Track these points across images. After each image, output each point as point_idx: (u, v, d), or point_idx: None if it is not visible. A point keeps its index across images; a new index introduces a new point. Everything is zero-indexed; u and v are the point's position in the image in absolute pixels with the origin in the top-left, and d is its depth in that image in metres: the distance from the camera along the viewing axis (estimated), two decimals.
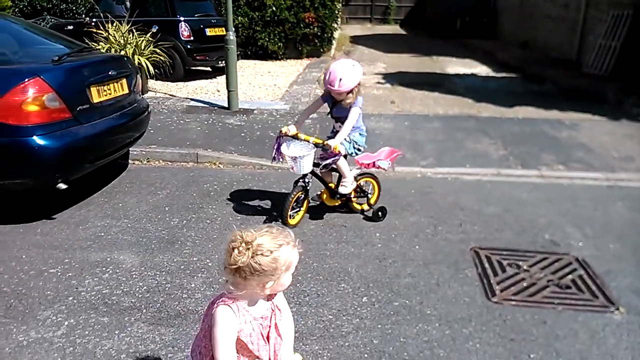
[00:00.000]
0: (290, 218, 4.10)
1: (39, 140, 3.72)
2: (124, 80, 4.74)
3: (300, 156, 3.89)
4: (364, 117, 7.80)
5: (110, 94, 4.48)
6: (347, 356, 2.71)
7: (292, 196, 4.04)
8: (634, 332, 2.99)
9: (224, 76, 10.05)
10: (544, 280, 3.49)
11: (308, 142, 3.96)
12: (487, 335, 2.92)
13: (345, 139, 4.05)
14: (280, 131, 4.02)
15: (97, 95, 4.29)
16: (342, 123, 4.03)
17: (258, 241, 1.66)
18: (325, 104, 4.17)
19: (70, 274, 3.45)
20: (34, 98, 3.70)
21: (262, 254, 1.65)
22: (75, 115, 4.02)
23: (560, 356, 2.76)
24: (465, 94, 9.30)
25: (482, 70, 12.31)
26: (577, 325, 3.03)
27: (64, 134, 3.90)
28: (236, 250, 1.65)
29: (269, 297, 1.84)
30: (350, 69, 3.86)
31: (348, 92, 3.89)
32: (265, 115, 7.57)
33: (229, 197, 4.83)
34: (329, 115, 4.23)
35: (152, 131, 6.20)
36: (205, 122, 7.12)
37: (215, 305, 1.76)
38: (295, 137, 4.00)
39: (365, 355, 2.72)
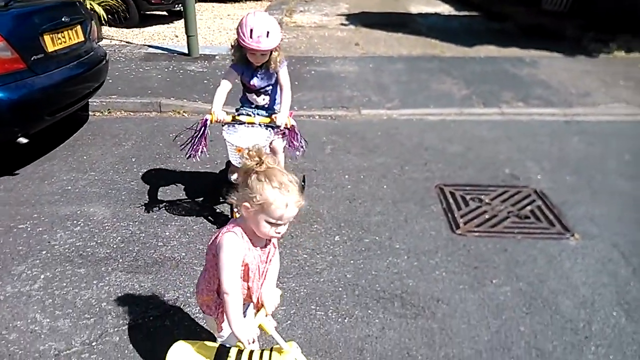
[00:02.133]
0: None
1: None
2: (79, 27, 4.52)
3: (264, 147, 3.11)
4: (329, 60, 7.75)
5: (65, 42, 4.28)
6: (322, 290, 2.85)
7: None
8: (588, 255, 3.23)
9: (182, 20, 9.68)
10: (505, 212, 3.68)
11: (254, 124, 3.21)
12: (453, 264, 3.10)
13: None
14: (206, 120, 3.13)
15: (52, 43, 4.09)
16: (265, 94, 3.42)
17: (272, 172, 1.69)
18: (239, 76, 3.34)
19: (40, 229, 3.42)
20: None
21: (262, 174, 1.67)
22: (29, 66, 3.84)
23: (520, 280, 2.97)
24: (428, 34, 9.28)
25: (444, 9, 12.23)
26: (535, 251, 3.24)
27: (19, 85, 3.74)
28: (247, 162, 1.70)
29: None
30: (272, 20, 3.11)
31: (273, 51, 3.17)
32: (227, 61, 7.26)
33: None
34: (247, 91, 3.46)
35: (110, 81, 5.98)
36: (166, 70, 6.91)
37: (222, 233, 1.80)
38: (234, 121, 3.21)
39: (340, 289, 2.86)
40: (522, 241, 3.35)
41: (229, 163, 3.82)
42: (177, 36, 8.90)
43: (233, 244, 1.75)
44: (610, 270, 3.08)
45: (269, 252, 1.89)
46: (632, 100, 6.06)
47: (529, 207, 3.75)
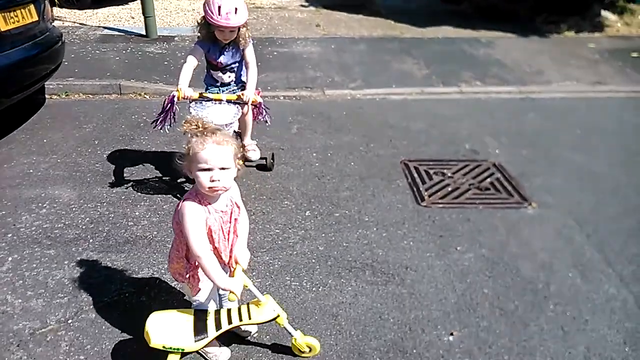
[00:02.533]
0: None
1: None
2: (32, 6, 4.35)
3: (229, 123, 3.26)
4: (290, 41, 7.72)
5: (18, 21, 4.12)
6: (296, 263, 2.92)
7: None
8: (545, 223, 3.43)
9: (138, 2, 9.41)
10: (466, 185, 3.85)
11: (221, 101, 3.25)
12: (419, 234, 3.23)
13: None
14: (173, 96, 3.13)
15: (4, 22, 3.94)
16: (231, 72, 3.44)
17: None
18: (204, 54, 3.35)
19: (3, 212, 3.34)
20: None
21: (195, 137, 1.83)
22: None
23: (483, 247, 3.13)
24: (387, 16, 9.36)
25: None
26: (496, 220, 3.42)
27: None
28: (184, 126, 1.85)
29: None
30: None
31: (241, 27, 3.21)
32: (187, 42, 7.25)
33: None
34: (212, 69, 3.46)
35: (67, 63, 5.77)
36: (124, 52, 6.74)
37: (181, 202, 1.90)
38: (202, 98, 3.24)
39: (313, 261, 2.94)
40: (483, 211, 3.52)
41: None
42: (133, 17, 8.64)
43: (192, 210, 1.87)
44: (566, 236, 3.28)
45: (231, 212, 1.98)
46: (582, 78, 6.36)
47: (488, 180, 3.93)
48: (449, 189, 3.78)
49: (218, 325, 2.01)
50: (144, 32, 7.40)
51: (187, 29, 7.96)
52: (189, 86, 3.24)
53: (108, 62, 6.30)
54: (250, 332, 2.35)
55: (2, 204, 3.43)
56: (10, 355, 2.28)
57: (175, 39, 7.40)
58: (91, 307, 2.56)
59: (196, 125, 1.83)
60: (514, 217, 3.46)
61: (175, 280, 2.23)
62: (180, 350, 1.97)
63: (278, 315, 2.10)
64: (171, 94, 3.13)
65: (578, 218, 3.46)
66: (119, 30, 7.75)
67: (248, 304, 2.09)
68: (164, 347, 1.95)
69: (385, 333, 2.46)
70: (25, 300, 2.60)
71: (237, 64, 3.44)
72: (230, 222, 1.97)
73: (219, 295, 2.24)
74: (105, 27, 7.91)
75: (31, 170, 3.88)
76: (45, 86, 5.29)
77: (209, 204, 1.90)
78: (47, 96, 5.39)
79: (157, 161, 4.07)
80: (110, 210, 3.39)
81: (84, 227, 3.21)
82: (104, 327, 2.44)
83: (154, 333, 1.97)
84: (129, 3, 9.70)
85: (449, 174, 3.99)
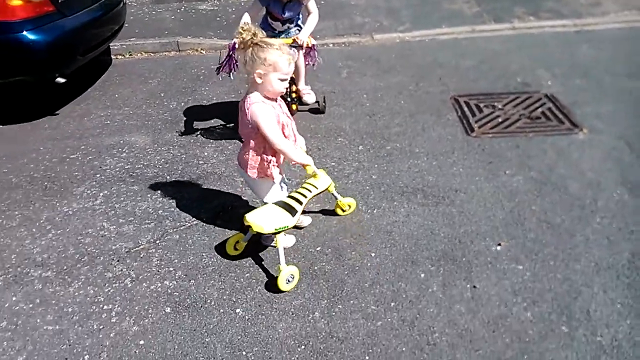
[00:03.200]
0: None
1: (30, 35, 3.82)
2: None
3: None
4: None
5: None
6: (351, 190, 3.16)
7: None
8: (595, 146, 3.48)
9: None
10: (517, 115, 3.92)
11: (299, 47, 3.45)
12: (469, 161, 3.38)
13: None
14: (234, 43, 3.07)
15: None
16: (290, 23, 3.62)
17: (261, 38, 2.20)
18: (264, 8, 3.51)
19: (90, 157, 3.76)
20: None
21: (259, 45, 2.18)
22: (58, 8, 4.06)
23: (531, 170, 3.25)
24: None
25: None
26: (546, 145, 3.50)
27: (52, 27, 3.98)
28: (243, 34, 2.17)
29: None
30: None
31: None
32: None
33: (218, 78, 5.00)
34: (271, 19, 3.63)
35: (127, 25, 6.13)
36: (178, 11, 7.03)
37: (247, 109, 2.28)
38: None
39: (367, 188, 3.18)
40: (533, 138, 3.60)
41: None
42: None
43: (265, 110, 2.26)
44: (615, 157, 3.33)
45: (281, 106, 2.41)
46: None
47: (539, 110, 3.97)
48: (499, 120, 3.87)
49: (299, 202, 2.50)
50: None
51: None
52: None
53: (165, 21, 6.62)
54: (304, 225, 2.86)
55: (88, 150, 3.85)
56: (112, 269, 2.68)
57: None
58: (175, 230, 2.93)
59: (254, 33, 2.15)
60: (564, 142, 3.53)
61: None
62: (286, 228, 2.42)
63: (331, 183, 2.69)
64: (232, 41, 3.26)
65: (629, 141, 3.48)
66: None
67: (307, 181, 2.64)
68: (275, 229, 2.39)
69: (436, 245, 2.68)
70: (118, 226, 3.00)
71: (297, 16, 3.62)
72: (286, 115, 2.41)
73: None
74: None
75: (108, 122, 4.28)
76: (110, 47, 5.68)
77: (274, 100, 2.33)
78: (112, 57, 5.79)
79: (219, 109, 4.38)
80: (182, 152, 3.74)
81: (160, 166, 3.58)
82: (187, 245, 2.80)
83: (261, 224, 2.37)
84: None
85: (499, 106, 4.06)
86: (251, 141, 2.36)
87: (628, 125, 3.68)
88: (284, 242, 2.56)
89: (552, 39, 5.49)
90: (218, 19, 6.66)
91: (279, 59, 2.19)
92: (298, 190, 2.59)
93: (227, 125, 4.09)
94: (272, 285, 2.48)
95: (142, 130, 4.11)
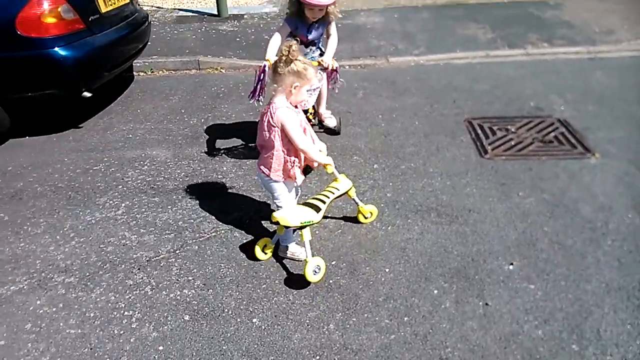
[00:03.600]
0: None
1: (62, 52, 3.98)
2: None
3: (316, 87, 3.57)
4: (354, 12, 7.93)
5: (114, 3, 4.65)
6: None
7: None
8: (606, 171, 3.53)
9: None
10: (530, 139, 3.98)
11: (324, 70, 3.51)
12: (482, 182, 3.45)
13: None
14: (265, 67, 3.23)
15: (104, 5, 4.47)
16: (314, 46, 3.67)
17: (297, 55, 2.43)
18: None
19: (112, 169, 3.88)
20: (49, 10, 3.91)
21: (297, 60, 2.42)
22: (88, 26, 4.24)
23: (544, 192, 3.30)
24: None
25: None
26: (558, 169, 3.56)
27: (82, 44, 4.15)
28: (286, 50, 2.40)
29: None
30: None
31: (330, 5, 3.41)
32: (256, 19, 7.68)
33: (238, 96, 5.17)
34: (299, 42, 3.34)
35: (149, 43, 6.35)
36: (199, 31, 7.24)
37: (274, 113, 2.46)
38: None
39: (382, 205, 3.25)
40: (546, 161, 3.66)
41: None
42: None
43: (290, 115, 2.47)
44: (627, 182, 3.38)
45: (299, 113, 2.61)
46: None
47: (552, 134, 4.04)
48: (512, 142, 3.94)
49: (323, 202, 2.71)
50: (215, 12, 7.89)
51: (254, 6, 8.40)
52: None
53: (186, 40, 6.82)
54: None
55: (111, 162, 3.98)
56: (134, 276, 2.77)
57: (245, 16, 7.83)
58: (194, 241, 3.02)
59: (290, 48, 2.38)
60: (576, 166, 3.58)
61: (273, 183, 2.65)
62: (311, 223, 2.60)
63: (352, 187, 2.88)
64: (263, 65, 3.27)
65: None
66: (192, 11, 8.29)
67: (329, 185, 2.85)
68: (301, 222, 2.56)
69: (449, 262, 2.73)
70: (139, 235, 3.10)
71: (321, 38, 3.71)
72: (305, 122, 2.63)
73: None
74: (179, 9, 8.49)
75: (130, 135, 4.42)
76: (132, 64, 5.87)
77: (291, 108, 2.52)
78: (135, 73, 5.98)
79: (238, 126, 4.50)
80: (202, 166, 3.85)
81: (180, 179, 3.69)
82: (206, 256, 2.89)
83: (288, 219, 2.54)
84: None
85: (513, 130, 4.13)
86: (275, 144, 2.52)
87: (639, 151, 3.74)
88: (297, 252, 2.77)
89: (565, 66, 5.57)
90: (238, 39, 6.86)
91: (311, 73, 2.46)
92: (321, 192, 2.81)
93: (246, 142, 4.19)
94: (289, 293, 2.55)
95: (163, 144, 4.24)
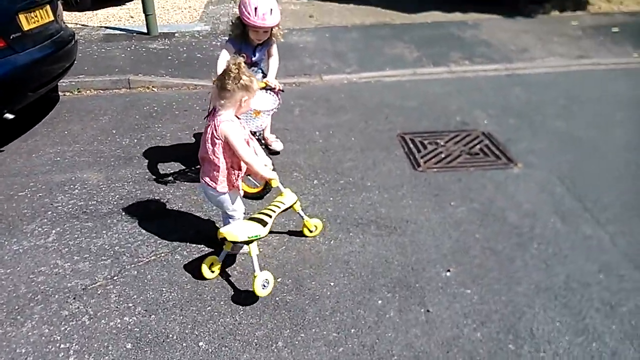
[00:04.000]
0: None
1: None
2: (48, 7, 4.68)
3: (273, 109, 3.38)
4: (286, 32, 8.03)
5: (38, 21, 4.45)
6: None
7: None
8: (529, 180, 3.80)
9: (135, 1, 9.72)
10: (458, 151, 4.22)
11: (270, 90, 3.44)
12: (417, 194, 3.60)
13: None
14: None
15: (27, 22, 4.27)
16: (257, 67, 3.62)
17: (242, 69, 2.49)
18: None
19: (40, 194, 3.68)
20: None
21: (243, 74, 2.47)
22: (10, 44, 4.03)
23: (474, 201, 3.50)
24: (377, 4, 9.68)
25: None
26: (485, 179, 3.79)
27: (3, 63, 3.93)
28: (235, 68, 2.46)
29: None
30: None
31: (274, 27, 3.38)
32: (187, 38, 7.59)
33: (171, 115, 5.08)
34: (249, 59, 3.47)
35: (76, 62, 6.11)
36: (128, 49, 7.06)
37: (218, 127, 2.50)
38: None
39: (324, 220, 3.30)
40: (473, 172, 3.89)
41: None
42: (132, 17, 8.95)
43: (234, 126, 2.52)
44: (548, 190, 3.66)
45: (244, 126, 2.68)
46: (566, 54, 6.73)
47: (478, 146, 4.30)
48: (442, 155, 4.15)
49: (269, 216, 2.73)
50: (145, 30, 7.71)
51: (185, 25, 8.30)
52: None
53: (115, 59, 6.62)
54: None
55: (38, 187, 3.77)
56: (69, 306, 2.63)
57: (176, 35, 7.72)
58: (132, 266, 2.92)
59: (239, 63, 2.47)
60: (501, 176, 3.83)
61: (218, 196, 2.70)
62: (259, 237, 2.62)
63: (297, 201, 2.94)
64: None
65: (559, 175, 3.84)
66: (120, 29, 8.06)
67: (275, 199, 2.88)
68: (248, 237, 2.57)
69: (391, 273, 2.83)
70: (73, 263, 2.96)
71: (263, 60, 3.69)
72: (249, 136, 2.70)
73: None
74: (106, 27, 8.22)
75: (58, 158, 4.22)
76: (58, 84, 5.61)
77: (234, 121, 2.56)
78: (60, 93, 5.71)
79: (173, 145, 4.42)
80: (137, 188, 3.74)
81: (115, 202, 3.56)
82: (146, 281, 2.80)
83: (235, 234, 2.55)
84: (127, 3, 10.00)
85: (442, 143, 4.36)
86: (220, 157, 2.56)
87: (558, 161, 4.05)
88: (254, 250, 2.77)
89: (486, 82, 5.95)
90: (169, 57, 6.74)
91: (256, 84, 2.57)
92: (267, 207, 2.82)
93: (182, 162, 4.13)
94: (235, 313, 2.53)
95: (95, 166, 4.08)
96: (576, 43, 7.18)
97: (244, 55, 3.43)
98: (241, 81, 2.45)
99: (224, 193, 2.68)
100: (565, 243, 3.08)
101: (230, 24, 3.49)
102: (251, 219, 2.72)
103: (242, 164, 2.65)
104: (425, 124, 4.79)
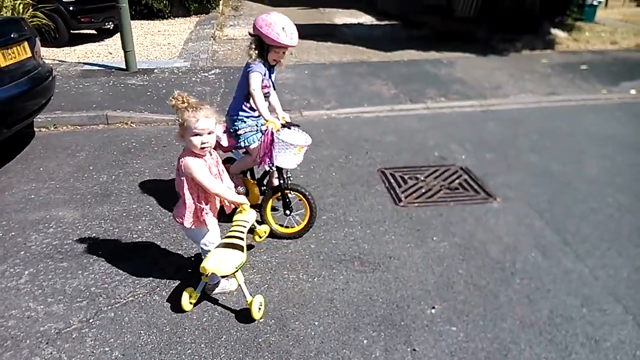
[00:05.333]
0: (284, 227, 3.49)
1: None
2: (26, 43, 4.66)
3: (309, 143, 3.25)
4: None
5: (15, 57, 4.42)
6: (291, 259, 3.24)
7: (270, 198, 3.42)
8: (508, 213, 3.85)
9: (113, 38, 9.76)
10: (438, 186, 4.26)
11: (292, 125, 3.30)
12: (399, 229, 3.60)
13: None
14: (272, 130, 3.10)
15: (3, 59, 4.23)
16: (267, 98, 3.43)
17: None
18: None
19: (13, 233, 3.56)
20: None
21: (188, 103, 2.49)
22: None
23: (455, 236, 3.52)
24: (355, 42, 9.94)
25: (366, 19, 13.03)
26: (465, 214, 3.82)
27: None
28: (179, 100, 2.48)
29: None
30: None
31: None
32: (167, 74, 7.61)
33: (150, 151, 5.03)
34: (267, 88, 3.34)
35: (53, 98, 6.05)
36: (107, 85, 7.03)
37: (181, 162, 2.54)
38: (284, 125, 3.26)
39: (306, 257, 3.27)
40: (454, 207, 3.92)
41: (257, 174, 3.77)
42: (111, 53, 8.97)
43: (195, 162, 2.52)
44: (527, 223, 3.70)
45: (214, 156, 2.69)
46: (537, 90, 6.96)
47: (457, 181, 4.35)
48: (423, 190, 4.18)
49: (241, 238, 2.64)
50: (123, 66, 7.72)
51: (164, 61, 8.35)
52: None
53: (93, 95, 6.57)
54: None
55: (10, 226, 3.65)
56: (41, 352, 2.51)
57: (155, 71, 7.74)
58: (109, 307, 2.82)
59: (182, 100, 2.46)
60: (481, 210, 3.87)
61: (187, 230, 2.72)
62: (243, 263, 2.59)
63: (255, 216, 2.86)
64: (269, 130, 3.11)
65: (537, 208, 3.90)
66: (98, 65, 8.05)
67: (236, 219, 2.73)
68: (236, 268, 2.54)
69: (375, 311, 2.79)
70: (46, 305, 2.84)
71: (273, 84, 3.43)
72: (217, 165, 2.69)
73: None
74: (85, 63, 8.20)
75: (32, 196, 4.11)
76: (34, 120, 5.53)
77: (202, 156, 2.57)
78: (36, 129, 5.62)
79: (152, 181, 4.36)
80: (115, 226, 3.65)
81: (91, 241, 3.46)
82: (123, 323, 2.70)
83: (224, 269, 2.51)
84: (105, 40, 10.03)
85: (422, 178, 4.40)
86: (185, 193, 2.58)
87: (535, 193, 4.13)
88: (227, 285, 2.88)
89: (461, 118, 6.09)
90: (148, 93, 6.73)
91: (191, 117, 2.46)
92: (233, 228, 2.70)
93: (161, 199, 4.06)
94: (216, 357, 2.45)
95: (71, 204, 3.98)
96: (547, 80, 7.45)
97: (265, 83, 3.29)
98: (191, 110, 2.46)
99: (190, 228, 2.67)
100: (547, 277, 3.10)
101: (250, 46, 3.24)
102: (225, 245, 2.61)
103: (211, 198, 2.65)
104: (404, 159, 4.84)
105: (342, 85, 7.21)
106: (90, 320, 2.72)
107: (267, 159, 3.16)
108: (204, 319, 2.72)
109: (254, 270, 3.12)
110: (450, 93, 6.89)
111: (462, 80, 7.46)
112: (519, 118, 6.05)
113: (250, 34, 3.28)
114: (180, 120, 2.48)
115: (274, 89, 3.50)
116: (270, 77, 3.35)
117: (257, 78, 3.17)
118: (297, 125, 3.37)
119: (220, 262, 2.52)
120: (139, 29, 11.35)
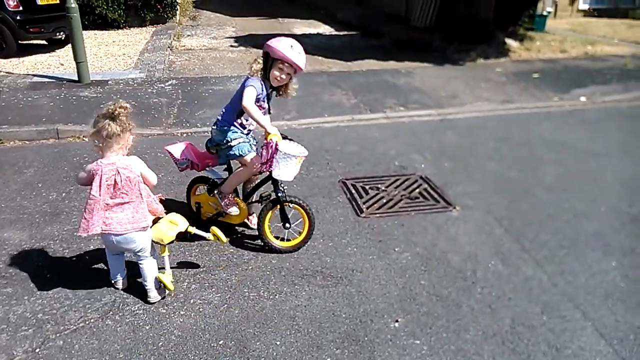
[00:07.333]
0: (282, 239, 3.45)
1: None
2: None
3: (306, 154, 3.25)
4: (224, 79, 8.04)
5: None
6: (252, 276, 3.16)
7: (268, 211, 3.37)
8: (468, 222, 3.88)
9: (65, 49, 9.43)
10: (398, 196, 4.27)
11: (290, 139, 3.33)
12: (361, 241, 3.58)
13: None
14: (276, 143, 3.06)
15: None
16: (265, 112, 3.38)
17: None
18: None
19: None
20: None
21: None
22: None
23: (417, 246, 3.52)
24: (314, 53, 9.92)
25: (325, 29, 13.08)
26: (426, 223, 3.83)
27: None
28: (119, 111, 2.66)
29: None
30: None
31: (294, 76, 3.27)
32: (122, 85, 7.39)
33: None
34: (262, 109, 3.28)
35: None
36: (57, 97, 6.76)
37: (125, 166, 2.70)
38: (284, 138, 3.26)
39: (267, 273, 3.19)
40: (415, 216, 3.93)
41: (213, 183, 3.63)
42: (62, 64, 8.65)
43: (136, 160, 2.76)
44: (487, 232, 3.74)
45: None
46: (492, 98, 7.12)
47: (417, 190, 4.37)
48: (384, 200, 4.18)
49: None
50: (76, 78, 7.45)
51: (119, 72, 8.11)
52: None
53: (42, 108, 6.31)
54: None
55: None
56: None
57: (109, 82, 7.51)
58: (58, 335, 2.66)
59: (113, 109, 2.63)
60: (442, 219, 3.89)
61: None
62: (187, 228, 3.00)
63: (188, 225, 3.06)
64: (272, 142, 3.06)
65: (496, 216, 3.95)
66: (49, 77, 7.74)
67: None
68: (184, 231, 2.94)
69: (339, 327, 2.74)
70: None
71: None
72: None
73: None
74: (34, 75, 7.88)
75: None
76: None
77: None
78: None
79: None
80: (65, 247, 3.47)
81: (39, 264, 3.28)
82: (73, 352, 2.55)
83: (168, 234, 2.87)
84: (57, 50, 9.68)
85: (383, 188, 4.40)
86: (137, 196, 2.73)
87: (494, 202, 4.19)
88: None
89: (420, 127, 6.15)
90: (102, 106, 6.45)
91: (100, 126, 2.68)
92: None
93: None
94: None
95: (17, 224, 3.77)
96: (501, 88, 7.64)
97: (260, 104, 3.23)
98: (125, 124, 2.64)
99: (149, 226, 2.85)
100: (508, 285, 3.13)
101: (254, 61, 3.22)
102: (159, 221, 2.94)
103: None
104: (365, 169, 4.83)
105: (302, 96, 7.12)
106: (37, 350, 2.56)
107: (266, 167, 3.14)
108: (160, 344, 2.60)
109: (213, 290, 3.01)
110: (409, 102, 6.96)
111: (420, 89, 7.56)
112: (476, 126, 6.16)
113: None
114: (126, 128, 2.69)
115: (269, 113, 3.40)
116: (267, 99, 3.27)
117: (251, 92, 3.10)
118: (291, 139, 3.36)
119: (163, 230, 2.87)
120: (93, 39, 11.01)
